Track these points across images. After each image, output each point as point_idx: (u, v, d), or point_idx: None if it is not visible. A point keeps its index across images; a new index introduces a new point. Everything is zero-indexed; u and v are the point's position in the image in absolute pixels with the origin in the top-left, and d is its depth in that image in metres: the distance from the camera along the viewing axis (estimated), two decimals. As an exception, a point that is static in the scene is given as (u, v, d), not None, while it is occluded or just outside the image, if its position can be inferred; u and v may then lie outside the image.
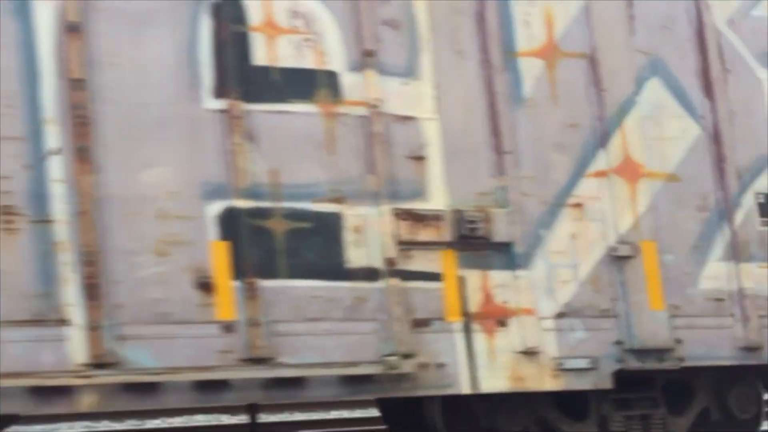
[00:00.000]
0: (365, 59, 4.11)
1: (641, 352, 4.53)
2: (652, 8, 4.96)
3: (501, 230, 4.26)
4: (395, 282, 3.97)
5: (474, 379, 4.09)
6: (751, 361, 4.87)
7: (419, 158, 4.16)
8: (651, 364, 4.55)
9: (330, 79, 4.04)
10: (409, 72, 4.24)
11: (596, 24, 4.72)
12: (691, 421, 4.95)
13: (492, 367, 4.14)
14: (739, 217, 5.00)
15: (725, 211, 4.94)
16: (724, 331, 4.80)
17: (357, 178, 4.00)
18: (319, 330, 3.78)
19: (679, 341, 4.64)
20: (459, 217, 4.15)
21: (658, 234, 4.70)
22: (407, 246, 4.04)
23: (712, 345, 4.75)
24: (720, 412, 5.06)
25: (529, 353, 4.24)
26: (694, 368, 4.68)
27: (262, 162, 3.83)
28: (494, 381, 4.15)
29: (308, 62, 4.01)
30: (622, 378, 4.50)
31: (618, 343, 4.48)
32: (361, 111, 4.07)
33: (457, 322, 4.10)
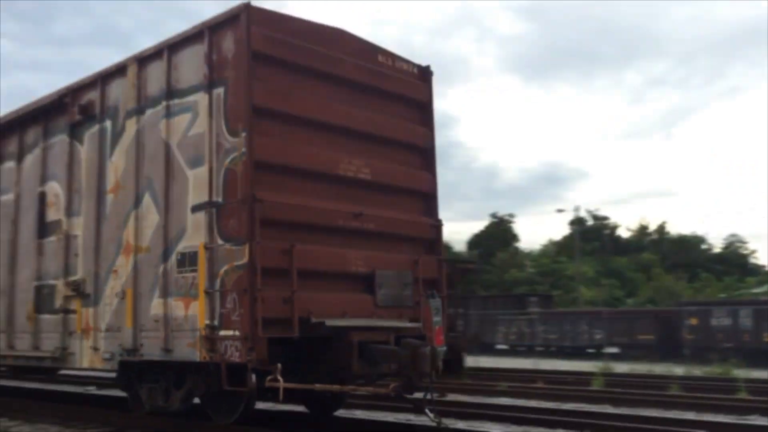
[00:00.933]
0: None
1: (127, 351, 8.39)
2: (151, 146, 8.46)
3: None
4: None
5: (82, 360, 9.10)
6: (168, 357, 7.82)
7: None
8: (127, 358, 8.34)
9: None
10: None
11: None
12: (184, 393, 8.09)
13: (86, 355, 9.03)
14: (169, 267, 7.96)
15: (164, 265, 8.03)
16: (157, 340, 7.99)
17: None
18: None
19: (141, 345, 8.21)
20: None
21: (135, 283, 8.37)
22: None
23: (154, 347, 8.04)
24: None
25: (95, 348, 8.90)
26: (185, 363, 7.81)
27: None
28: (86, 361, 9.03)
29: None
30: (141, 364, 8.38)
31: (120, 346, 8.52)
32: None
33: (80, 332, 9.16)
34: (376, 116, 8.59)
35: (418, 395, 7.51)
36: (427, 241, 8.98)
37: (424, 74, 9.34)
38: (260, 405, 9.30)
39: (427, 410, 7.33)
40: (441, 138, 32.33)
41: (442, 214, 9.10)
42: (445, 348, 7.32)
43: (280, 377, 6.90)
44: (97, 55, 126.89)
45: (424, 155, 9.19)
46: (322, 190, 7.91)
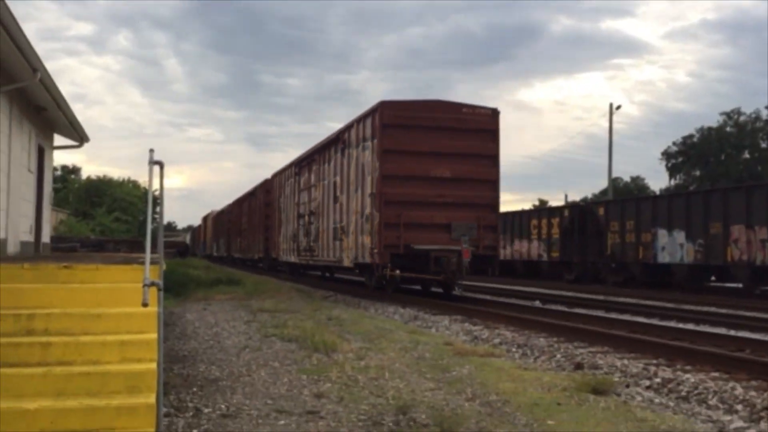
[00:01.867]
0: None
1: (355, 258, 18.42)
2: None
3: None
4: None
5: (344, 263, 19.47)
6: (363, 261, 17.67)
7: None
8: (356, 262, 18.38)
9: None
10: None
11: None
12: (372, 277, 17.89)
13: (345, 260, 19.33)
14: (363, 221, 17.59)
15: (362, 220, 17.73)
16: (361, 253, 17.84)
17: None
18: None
19: (358, 256, 18.17)
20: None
21: (356, 228, 18.23)
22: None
23: (361, 257, 17.93)
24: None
25: (347, 258, 19.12)
26: (368, 264, 17.77)
27: None
28: (346, 263, 19.35)
29: None
30: (359, 265, 18.47)
31: (354, 256, 18.58)
32: None
33: (344, 250, 19.51)
34: (456, 142, 16.76)
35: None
36: (489, 205, 16.95)
37: (494, 113, 17.16)
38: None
39: (456, 287, 15.74)
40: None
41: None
42: (468, 259, 15.53)
43: (392, 269, 16.00)
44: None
45: (493, 160, 17.09)
46: (422, 184, 16.53)
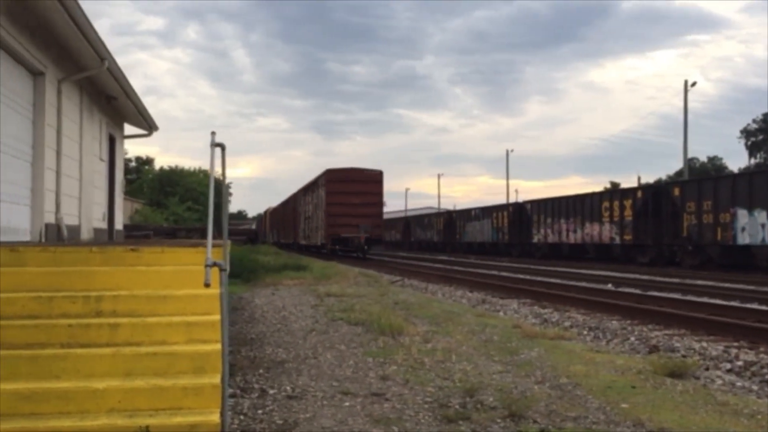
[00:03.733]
0: None
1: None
2: None
3: None
4: None
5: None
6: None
7: None
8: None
9: None
10: None
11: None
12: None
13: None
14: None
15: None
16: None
17: None
18: None
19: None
20: None
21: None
22: None
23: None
24: None
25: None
26: None
27: None
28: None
29: None
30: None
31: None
32: None
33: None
34: (361, 186, 32.82)
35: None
36: (376, 215, 33.02)
37: (380, 173, 33.64)
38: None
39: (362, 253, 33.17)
40: None
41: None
42: (363, 241, 32.18)
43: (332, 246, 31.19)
44: None
45: (379, 195, 33.33)
46: (345, 206, 32.14)
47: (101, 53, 9.64)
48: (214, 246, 5.97)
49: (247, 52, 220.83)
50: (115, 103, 13.08)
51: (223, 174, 6.18)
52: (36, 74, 8.97)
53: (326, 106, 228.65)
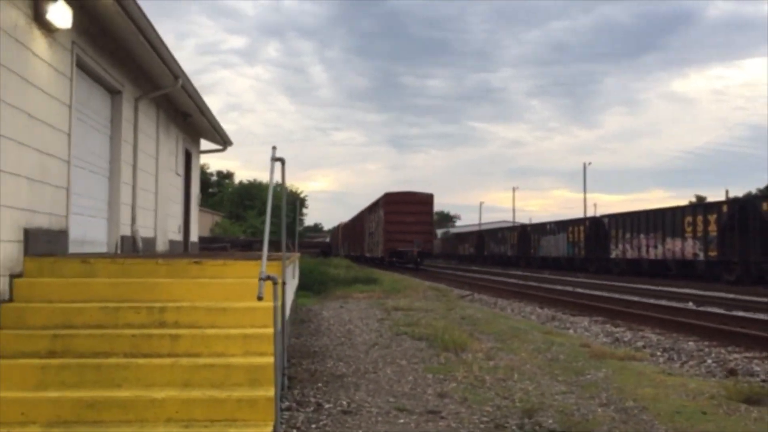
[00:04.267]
0: None
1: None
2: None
3: None
4: None
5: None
6: None
7: None
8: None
9: None
10: None
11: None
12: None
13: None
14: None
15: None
16: None
17: None
18: None
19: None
20: None
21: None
22: None
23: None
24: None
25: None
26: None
27: None
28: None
29: None
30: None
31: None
32: None
33: None
34: (414, 207, 38.20)
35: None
36: (428, 232, 39.29)
37: (430, 195, 39.29)
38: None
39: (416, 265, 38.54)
40: None
41: None
42: (416, 254, 37.90)
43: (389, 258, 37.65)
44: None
45: (429, 215, 39.73)
46: (400, 224, 37.55)
47: (175, 72, 9.99)
48: (273, 260, 6.05)
49: (325, 68, 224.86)
50: (190, 120, 13.52)
51: (283, 186, 6.27)
52: (114, 93, 9.37)
53: (401, 120, 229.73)
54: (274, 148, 6.00)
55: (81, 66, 7.87)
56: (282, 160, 5.99)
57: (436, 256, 76.95)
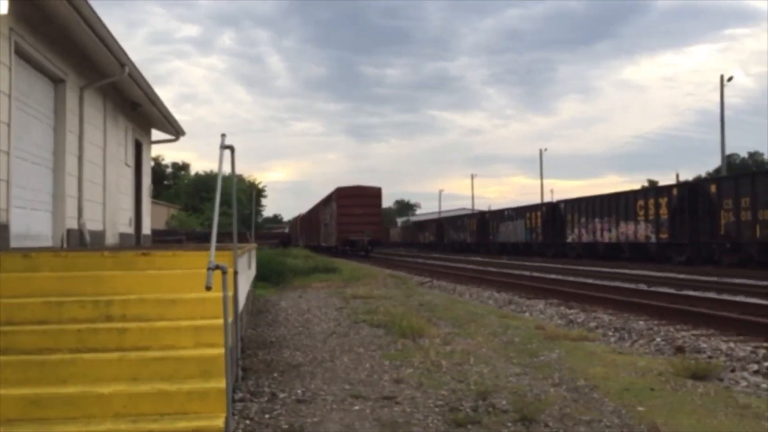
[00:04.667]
0: None
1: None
2: None
3: None
4: None
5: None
6: None
7: None
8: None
9: None
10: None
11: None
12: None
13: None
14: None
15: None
16: None
17: None
18: None
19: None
20: None
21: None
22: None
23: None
24: None
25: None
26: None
27: None
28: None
29: None
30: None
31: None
32: None
33: None
34: (364, 201, 41.00)
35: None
36: (377, 223, 41.73)
37: (379, 189, 42.55)
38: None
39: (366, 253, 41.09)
40: None
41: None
42: (367, 242, 40.92)
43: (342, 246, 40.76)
44: None
45: (378, 207, 42.46)
46: (351, 216, 40.09)
47: (121, 60, 9.75)
48: (225, 249, 5.95)
49: (281, 58, 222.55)
50: (140, 110, 13.23)
51: (232, 174, 6.18)
52: (57, 82, 9.10)
53: (360, 110, 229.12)
54: (223, 135, 5.89)
55: (20, 54, 7.61)
56: (231, 148, 5.88)
57: (396, 244, 77.23)
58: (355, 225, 40.59)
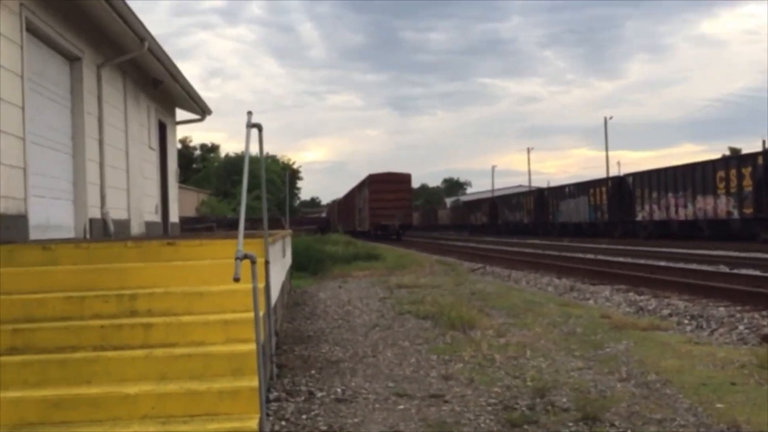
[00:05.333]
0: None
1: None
2: None
3: None
4: None
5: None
6: None
7: None
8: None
9: None
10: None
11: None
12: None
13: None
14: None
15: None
16: None
17: None
18: None
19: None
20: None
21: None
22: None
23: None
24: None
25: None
26: None
27: None
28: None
29: None
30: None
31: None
32: None
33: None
34: (395, 186, 48.62)
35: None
36: (407, 207, 50.41)
37: (409, 175, 51.93)
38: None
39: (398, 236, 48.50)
40: None
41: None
42: (398, 227, 48.66)
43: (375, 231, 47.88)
44: None
45: (408, 192, 51.50)
46: (383, 201, 47.58)
47: (140, 34, 9.88)
48: (255, 237, 6.01)
49: (315, 25, 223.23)
50: (162, 88, 13.42)
51: (261, 155, 6.23)
52: (72, 60, 9.28)
53: (402, 79, 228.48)
54: (249, 113, 5.92)
55: (32, 31, 7.78)
56: (259, 126, 5.92)
57: (445, 227, 77.06)
58: (387, 210, 47.86)
